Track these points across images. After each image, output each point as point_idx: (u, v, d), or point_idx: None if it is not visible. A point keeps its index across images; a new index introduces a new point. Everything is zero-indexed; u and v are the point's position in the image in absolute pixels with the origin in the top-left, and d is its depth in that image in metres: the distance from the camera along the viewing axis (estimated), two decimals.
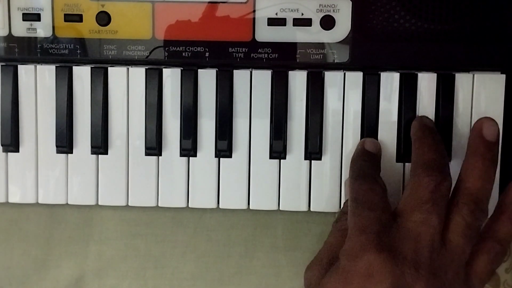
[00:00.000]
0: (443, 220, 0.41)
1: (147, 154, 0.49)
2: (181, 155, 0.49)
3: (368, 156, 0.47)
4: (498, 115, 0.48)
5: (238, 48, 0.48)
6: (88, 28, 0.48)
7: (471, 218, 0.42)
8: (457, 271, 0.41)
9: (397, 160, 0.49)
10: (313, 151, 0.49)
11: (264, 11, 0.48)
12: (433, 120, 0.48)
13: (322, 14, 0.48)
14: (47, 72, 0.49)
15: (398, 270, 0.38)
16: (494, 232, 0.44)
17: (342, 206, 0.49)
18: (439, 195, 0.42)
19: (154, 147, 0.49)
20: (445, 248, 0.41)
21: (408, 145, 0.47)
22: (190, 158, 0.49)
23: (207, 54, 0.48)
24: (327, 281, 0.41)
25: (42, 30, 0.48)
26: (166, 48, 0.48)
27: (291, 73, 0.49)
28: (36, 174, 0.50)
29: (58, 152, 0.50)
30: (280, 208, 0.49)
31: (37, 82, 0.49)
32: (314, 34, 0.48)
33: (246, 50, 0.48)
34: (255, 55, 0.48)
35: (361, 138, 0.49)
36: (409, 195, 0.43)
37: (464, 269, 0.42)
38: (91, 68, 0.49)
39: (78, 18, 0.48)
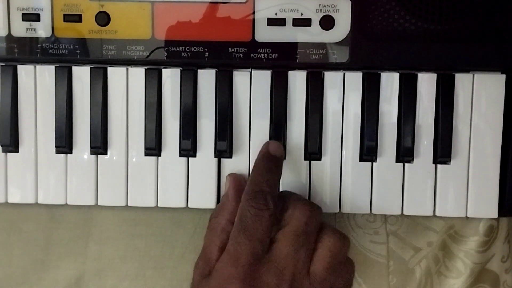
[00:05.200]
0: (310, 252, 0.43)
1: (146, 154, 0.49)
2: (181, 155, 0.49)
3: (271, 161, 0.46)
4: (498, 115, 0.48)
5: (238, 48, 0.48)
6: (87, 28, 0.48)
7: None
8: None
9: (397, 161, 0.49)
10: (313, 151, 0.49)
11: (263, 11, 0.48)
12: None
13: (321, 14, 0.47)
14: (46, 72, 0.49)
15: None
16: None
17: (221, 199, 0.49)
18: (310, 227, 0.43)
19: (153, 147, 0.49)
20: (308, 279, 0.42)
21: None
22: (190, 158, 0.49)
23: (206, 54, 0.48)
24: None
25: (42, 30, 0.48)
26: (166, 48, 0.48)
27: (290, 73, 0.49)
28: (36, 174, 0.50)
29: (57, 152, 0.50)
30: None
31: (36, 82, 0.49)
32: (313, 34, 0.48)
33: (246, 50, 0.48)
34: (255, 55, 0.48)
35: (361, 138, 0.49)
36: (287, 226, 0.44)
37: None
38: (91, 68, 0.49)
39: (78, 18, 0.48)
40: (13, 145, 0.49)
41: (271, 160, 0.47)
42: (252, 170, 0.46)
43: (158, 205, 0.50)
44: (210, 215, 0.47)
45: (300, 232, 0.43)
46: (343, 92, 0.49)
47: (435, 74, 0.48)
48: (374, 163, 0.49)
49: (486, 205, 0.49)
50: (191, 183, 0.49)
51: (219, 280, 0.42)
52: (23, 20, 0.48)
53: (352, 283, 0.46)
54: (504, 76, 0.48)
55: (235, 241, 0.42)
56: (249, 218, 0.43)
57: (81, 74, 0.49)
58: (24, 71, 0.49)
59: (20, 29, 0.48)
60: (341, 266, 0.44)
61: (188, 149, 0.49)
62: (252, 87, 0.49)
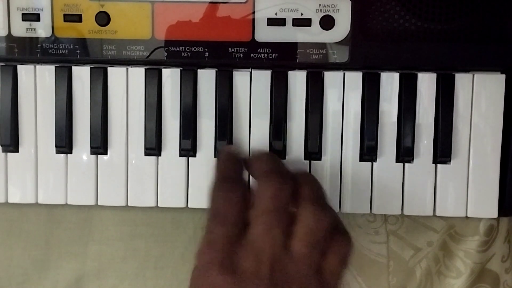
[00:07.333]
0: (285, 229, 0.40)
1: (146, 154, 0.49)
2: (181, 155, 0.49)
3: (228, 156, 0.45)
4: (498, 115, 0.48)
5: (238, 48, 0.48)
6: (87, 28, 0.48)
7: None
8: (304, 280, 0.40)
9: (397, 161, 0.49)
10: (313, 151, 0.49)
11: (263, 11, 0.48)
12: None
13: (321, 14, 0.47)
14: (46, 72, 0.49)
15: None
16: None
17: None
18: (280, 202, 0.40)
19: (153, 147, 0.49)
20: (289, 257, 0.40)
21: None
22: (190, 158, 0.49)
23: (206, 54, 0.48)
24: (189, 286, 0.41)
25: (42, 30, 0.48)
26: (166, 48, 0.48)
27: (290, 73, 0.49)
28: (36, 174, 0.50)
29: (57, 152, 0.50)
30: None
31: (36, 82, 0.49)
32: (313, 34, 0.48)
33: (246, 50, 0.48)
34: (255, 55, 0.48)
35: (361, 138, 0.49)
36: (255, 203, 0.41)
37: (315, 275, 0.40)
38: (91, 68, 0.49)
39: (78, 18, 0.48)
40: (13, 145, 0.49)
41: (229, 156, 0.45)
42: (215, 166, 0.45)
43: (158, 205, 0.50)
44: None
45: (269, 209, 0.40)
46: (343, 92, 0.49)
47: (435, 74, 0.48)
48: (374, 163, 0.49)
49: (486, 205, 0.49)
50: (191, 183, 0.49)
51: (200, 267, 0.40)
52: (23, 20, 0.48)
53: (348, 257, 0.42)
54: (504, 76, 0.48)
55: (209, 228, 0.41)
56: (218, 204, 0.41)
57: (81, 74, 0.49)
58: (24, 71, 0.49)
59: (20, 29, 0.48)
60: (327, 241, 0.41)
61: (188, 149, 0.49)
62: (252, 87, 0.49)
